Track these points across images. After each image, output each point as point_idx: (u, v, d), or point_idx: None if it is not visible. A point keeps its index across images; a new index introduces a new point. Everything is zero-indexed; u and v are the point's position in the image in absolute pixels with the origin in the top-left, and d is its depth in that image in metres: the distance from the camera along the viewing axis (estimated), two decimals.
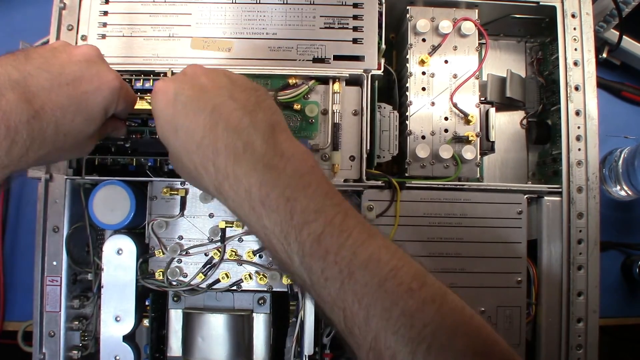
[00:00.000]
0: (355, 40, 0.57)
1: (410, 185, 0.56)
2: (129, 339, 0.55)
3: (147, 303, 0.57)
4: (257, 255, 0.55)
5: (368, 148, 0.56)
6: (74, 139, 0.42)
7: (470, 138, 0.57)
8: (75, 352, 0.56)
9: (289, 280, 0.55)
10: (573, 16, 0.59)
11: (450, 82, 0.58)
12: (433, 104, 0.58)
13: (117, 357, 0.54)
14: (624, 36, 0.69)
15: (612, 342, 0.73)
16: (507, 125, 0.68)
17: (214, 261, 0.55)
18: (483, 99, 0.61)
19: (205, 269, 0.55)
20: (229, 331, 0.55)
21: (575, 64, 0.59)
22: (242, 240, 0.55)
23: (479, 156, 0.57)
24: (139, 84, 0.54)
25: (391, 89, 0.62)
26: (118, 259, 0.54)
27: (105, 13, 0.57)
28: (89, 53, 0.43)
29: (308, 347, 0.54)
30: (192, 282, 0.55)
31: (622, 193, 0.71)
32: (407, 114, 0.58)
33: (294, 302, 0.57)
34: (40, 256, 0.55)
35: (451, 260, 0.55)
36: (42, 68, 0.39)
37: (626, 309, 0.73)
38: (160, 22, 0.57)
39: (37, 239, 0.55)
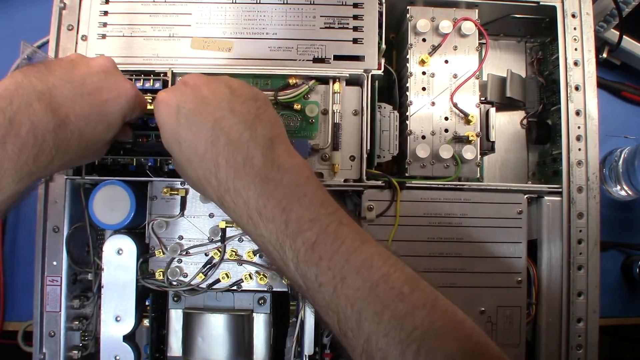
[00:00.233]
0: (355, 40, 0.57)
1: (411, 185, 0.56)
2: (129, 339, 0.55)
3: (147, 303, 0.57)
4: (257, 255, 0.55)
5: (368, 148, 0.56)
6: (94, 145, 0.44)
7: (471, 138, 0.57)
8: (76, 352, 0.56)
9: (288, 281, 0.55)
10: (573, 16, 0.59)
11: (451, 82, 0.58)
12: (433, 104, 0.58)
13: (117, 357, 0.54)
14: (624, 36, 0.69)
15: (612, 342, 0.73)
16: (507, 125, 0.68)
17: (214, 261, 0.55)
18: (483, 99, 0.61)
19: (205, 269, 0.55)
20: (229, 331, 0.55)
21: (576, 63, 0.59)
22: (242, 240, 0.55)
23: (479, 156, 0.57)
24: (139, 84, 0.54)
25: (391, 89, 0.62)
26: (118, 259, 0.54)
27: (105, 13, 0.57)
28: (105, 64, 0.45)
29: (308, 347, 0.54)
30: (192, 282, 0.55)
31: (622, 193, 0.71)
32: (407, 114, 0.58)
33: (294, 302, 0.58)
34: (40, 256, 0.55)
35: (451, 260, 0.55)
36: (64, 79, 0.41)
37: (626, 309, 0.73)
38: (160, 22, 0.57)
39: (37, 239, 0.55)
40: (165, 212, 0.56)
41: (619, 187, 0.71)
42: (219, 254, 0.55)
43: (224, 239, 0.55)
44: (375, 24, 0.57)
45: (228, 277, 0.55)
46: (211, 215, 0.55)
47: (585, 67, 0.59)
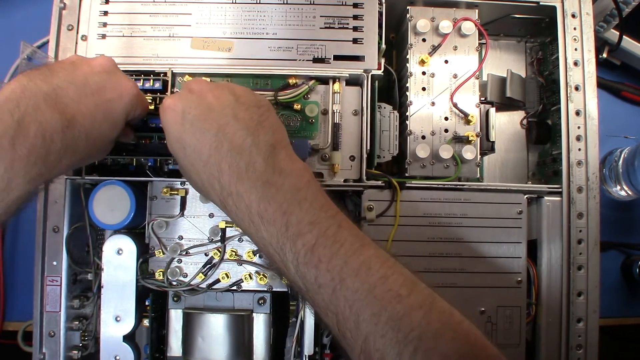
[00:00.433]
0: (355, 40, 0.57)
1: (410, 185, 0.56)
2: (129, 339, 0.55)
3: (147, 303, 0.57)
4: (257, 255, 0.55)
5: (368, 148, 0.56)
6: (100, 144, 0.45)
7: (471, 138, 0.57)
8: (75, 352, 0.56)
9: None
10: (573, 16, 0.59)
11: (451, 82, 0.58)
12: (433, 104, 0.58)
13: (117, 357, 0.54)
14: (624, 36, 0.69)
15: (612, 342, 0.73)
16: (507, 125, 0.68)
17: (214, 261, 0.55)
18: (483, 99, 0.61)
19: (205, 269, 0.55)
20: (229, 331, 0.55)
21: (576, 64, 0.59)
22: (242, 240, 0.55)
23: (479, 156, 0.57)
24: (139, 84, 0.54)
25: (391, 89, 0.62)
26: (118, 259, 0.54)
27: (105, 13, 0.57)
28: (106, 64, 0.46)
29: (308, 347, 0.54)
30: (192, 282, 0.55)
31: (622, 193, 0.71)
32: (407, 114, 0.58)
33: (294, 302, 0.58)
34: (40, 256, 0.55)
35: (451, 260, 0.55)
36: (67, 80, 0.42)
37: (626, 309, 0.73)
38: (160, 22, 0.57)
39: (37, 239, 0.55)
40: (165, 212, 0.56)
41: (618, 187, 0.71)
42: (218, 254, 0.55)
43: (223, 239, 0.55)
44: (375, 24, 0.57)
45: (228, 277, 0.55)
46: (211, 215, 0.55)
47: (585, 67, 0.59)
